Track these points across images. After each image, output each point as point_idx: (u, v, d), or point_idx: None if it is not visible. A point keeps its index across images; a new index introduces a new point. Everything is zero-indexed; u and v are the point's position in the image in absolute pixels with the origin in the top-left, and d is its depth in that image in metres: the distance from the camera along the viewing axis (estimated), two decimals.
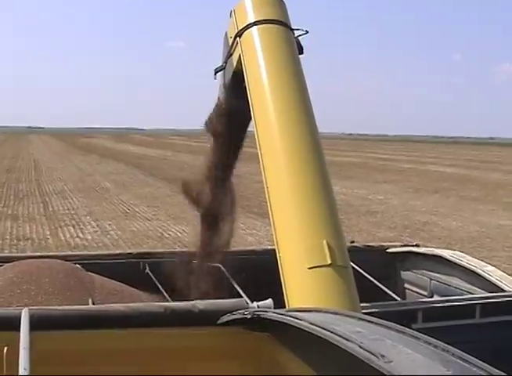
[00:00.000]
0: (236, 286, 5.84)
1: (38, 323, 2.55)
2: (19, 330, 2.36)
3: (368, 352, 1.80)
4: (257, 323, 2.73)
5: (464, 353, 1.80)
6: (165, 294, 5.75)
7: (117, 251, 8.45)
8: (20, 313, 2.56)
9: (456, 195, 30.87)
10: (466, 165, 57.75)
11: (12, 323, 2.49)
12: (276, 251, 4.17)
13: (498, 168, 53.76)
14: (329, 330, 2.03)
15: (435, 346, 1.87)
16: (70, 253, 10.04)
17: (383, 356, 1.76)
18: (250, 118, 4.88)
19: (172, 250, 6.84)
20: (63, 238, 16.75)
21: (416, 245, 7.59)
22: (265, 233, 16.80)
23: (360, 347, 1.84)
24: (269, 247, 6.61)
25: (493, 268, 6.25)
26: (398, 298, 6.05)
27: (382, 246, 7.72)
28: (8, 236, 16.87)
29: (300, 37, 5.22)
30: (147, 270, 6.38)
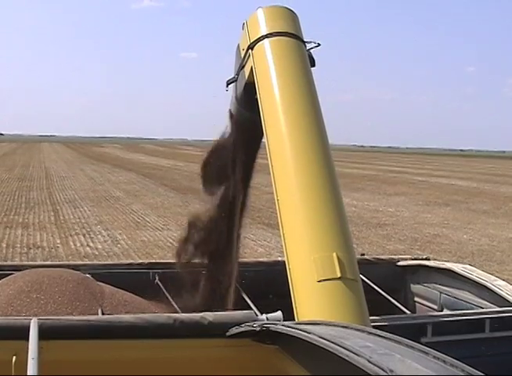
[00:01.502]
0: (245, 297, 5.84)
1: (47, 333, 2.55)
2: (28, 340, 2.37)
3: (377, 366, 1.80)
4: (267, 336, 2.72)
5: (473, 369, 1.79)
6: (174, 304, 5.75)
7: (127, 261, 8.47)
8: (29, 323, 2.56)
9: (466, 208, 30.79)
10: (477, 178, 57.61)
11: (22, 333, 2.50)
12: (286, 263, 4.16)
13: (509, 182, 53.59)
14: (338, 344, 2.03)
15: (444, 361, 1.86)
16: (80, 262, 10.05)
17: (391, 370, 1.76)
18: (262, 133, 4.86)
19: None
20: (73, 247, 16.75)
21: (427, 258, 7.57)
22: (275, 244, 16.77)
23: (369, 361, 1.84)
24: (279, 258, 6.61)
25: (504, 282, 6.23)
26: (408, 312, 6.04)
27: (392, 259, 7.71)
28: (18, 244, 16.88)
29: (312, 50, 5.23)
30: (157, 280, 6.38)
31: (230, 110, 6.02)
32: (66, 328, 2.72)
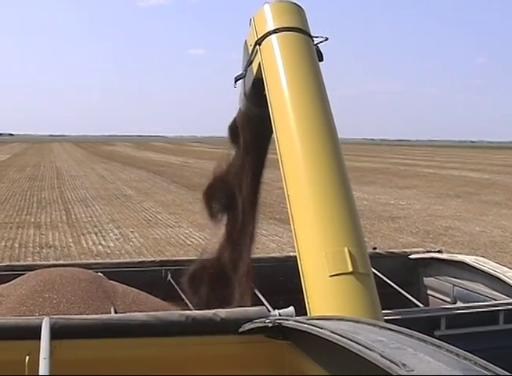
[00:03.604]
0: (257, 293, 5.84)
1: (60, 332, 2.56)
2: (40, 339, 2.38)
3: (389, 360, 1.79)
4: (279, 331, 2.72)
5: (486, 362, 1.78)
6: (187, 301, 5.76)
7: (139, 259, 8.48)
8: (41, 322, 2.57)
9: (478, 200, 30.71)
10: (489, 169, 57.47)
11: (34, 332, 2.51)
12: (298, 258, 4.16)
13: None
14: (350, 339, 2.03)
15: (457, 355, 1.85)
16: (92, 261, 10.08)
17: (404, 364, 1.75)
18: (272, 129, 4.84)
19: (194, 257, 6.83)
20: (85, 245, 16.80)
21: (439, 251, 7.55)
22: (287, 239, 16.78)
23: (381, 356, 1.83)
24: (291, 253, 6.61)
25: None
26: (421, 305, 6.03)
27: (404, 252, 7.69)
28: (31, 244, 16.94)
29: (320, 44, 5.22)
30: (169, 278, 6.39)
31: (240, 108, 6.02)
32: (79, 327, 2.72)
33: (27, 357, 2.53)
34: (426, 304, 6.68)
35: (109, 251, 15.94)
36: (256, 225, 6.20)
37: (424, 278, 7.27)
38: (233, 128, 6.11)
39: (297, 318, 2.73)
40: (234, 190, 6.08)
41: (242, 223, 6.05)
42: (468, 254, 8.58)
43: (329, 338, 2.14)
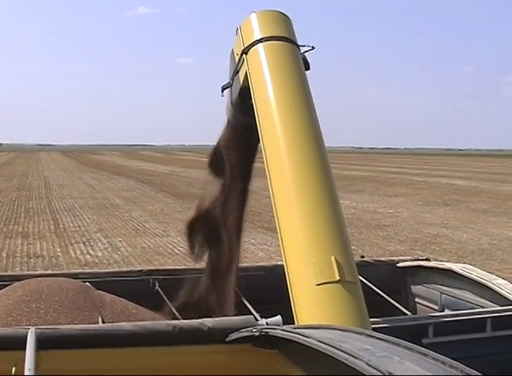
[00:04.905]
0: (245, 302, 5.83)
1: (46, 343, 2.55)
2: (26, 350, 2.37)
3: (375, 369, 1.79)
4: (266, 341, 2.72)
5: (472, 369, 1.79)
6: (175, 311, 5.74)
7: (127, 269, 8.46)
8: (27, 333, 2.56)
9: (466, 207, 30.80)
10: (476, 177, 57.66)
11: (22, 343, 2.50)
12: (285, 267, 4.15)
13: (508, 180, 53.64)
14: (336, 348, 2.03)
15: (443, 363, 1.86)
16: (80, 271, 10.05)
17: (390, 373, 1.76)
18: (259, 140, 4.83)
19: (182, 267, 6.81)
20: (73, 255, 16.75)
21: (427, 259, 7.56)
22: (275, 248, 16.77)
23: (368, 364, 1.84)
24: (279, 262, 6.61)
25: (504, 281, 6.22)
26: (409, 313, 6.03)
27: (392, 260, 7.70)
28: (18, 254, 16.88)
29: (306, 53, 5.22)
30: (157, 287, 6.38)
31: (228, 119, 6.02)
32: (66, 337, 2.71)
33: (13, 368, 2.52)
34: (413, 312, 6.68)
35: (97, 261, 15.91)
36: (241, 235, 6.18)
37: (412, 286, 7.28)
38: (215, 156, 6.13)
39: (284, 327, 2.73)
40: (219, 221, 6.08)
41: (227, 251, 6.03)
42: (456, 262, 8.61)
43: (316, 347, 2.14)
